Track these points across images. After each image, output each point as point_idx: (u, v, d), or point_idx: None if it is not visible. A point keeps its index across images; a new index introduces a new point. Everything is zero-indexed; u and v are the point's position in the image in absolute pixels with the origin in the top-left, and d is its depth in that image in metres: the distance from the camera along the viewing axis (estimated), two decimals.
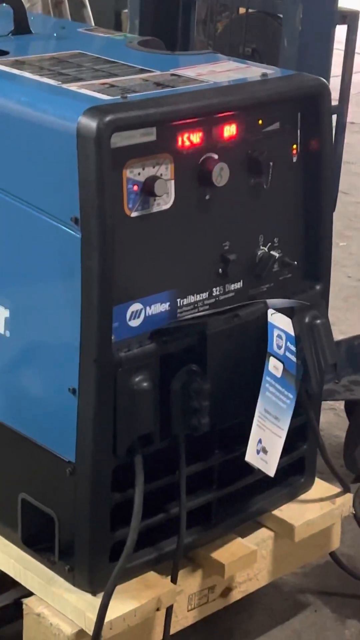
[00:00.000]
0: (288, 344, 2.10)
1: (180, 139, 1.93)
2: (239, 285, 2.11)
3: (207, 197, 2.00)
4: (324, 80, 2.13)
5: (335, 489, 2.37)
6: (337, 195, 2.87)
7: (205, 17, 3.39)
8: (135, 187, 1.89)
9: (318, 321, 2.13)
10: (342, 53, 2.78)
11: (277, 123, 2.09)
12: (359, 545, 2.65)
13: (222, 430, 2.12)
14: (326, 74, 2.57)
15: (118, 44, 2.38)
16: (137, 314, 1.95)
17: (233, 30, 2.80)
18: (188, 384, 1.97)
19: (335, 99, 2.64)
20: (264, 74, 2.11)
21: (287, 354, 2.10)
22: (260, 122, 2.07)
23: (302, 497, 2.33)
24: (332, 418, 3.19)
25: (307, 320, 2.12)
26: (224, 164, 1.98)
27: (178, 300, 2.01)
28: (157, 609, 2.02)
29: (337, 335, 3.00)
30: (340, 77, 2.78)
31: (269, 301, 2.09)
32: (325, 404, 3.17)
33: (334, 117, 2.59)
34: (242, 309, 2.05)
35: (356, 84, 7.12)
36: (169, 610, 2.06)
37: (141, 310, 1.96)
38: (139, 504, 1.93)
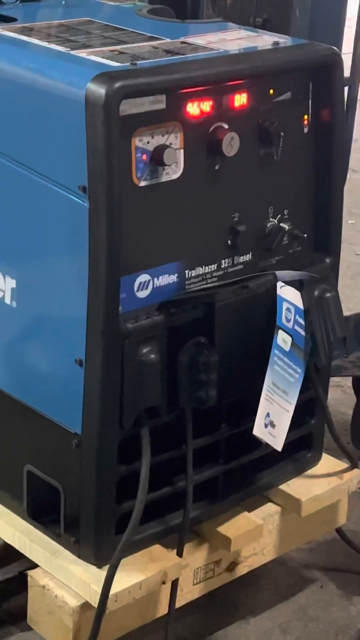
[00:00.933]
0: (297, 317, 2.08)
1: (190, 108, 1.91)
2: (248, 257, 2.09)
3: (217, 167, 1.98)
4: (337, 49, 2.09)
5: (343, 465, 2.35)
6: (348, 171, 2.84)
7: None
8: (144, 156, 1.86)
9: (328, 294, 2.11)
10: (353, 31, 2.74)
11: (289, 93, 2.06)
12: None
13: (229, 403, 2.10)
14: (338, 44, 2.53)
15: (127, 12, 2.34)
16: (145, 285, 1.93)
17: (244, 0, 2.76)
18: (196, 357, 1.95)
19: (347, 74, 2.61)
20: (275, 43, 2.08)
21: (296, 327, 2.08)
22: (271, 91, 2.04)
23: (309, 472, 2.31)
24: (339, 395, 3.18)
25: (316, 293, 2.10)
26: (234, 134, 1.95)
27: (186, 271, 1.99)
28: (163, 583, 2.01)
29: (345, 312, 2.98)
30: (350, 55, 2.74)
31: (278, 273, 2.07)
32: (333, 381, 3.15)
33: (346, 89, 2.55)
34: (251, 281, 2.03)
35: None
36: (175, 584, 2.05)
37: (149, 281, 1.93)
38: (145, 476, 1.92)
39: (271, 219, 2.10)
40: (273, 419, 2.07)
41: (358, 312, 2.93)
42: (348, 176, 4.56)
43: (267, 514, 2.23)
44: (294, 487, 2.26)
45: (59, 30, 2.13)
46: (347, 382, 3.02)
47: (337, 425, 2.92)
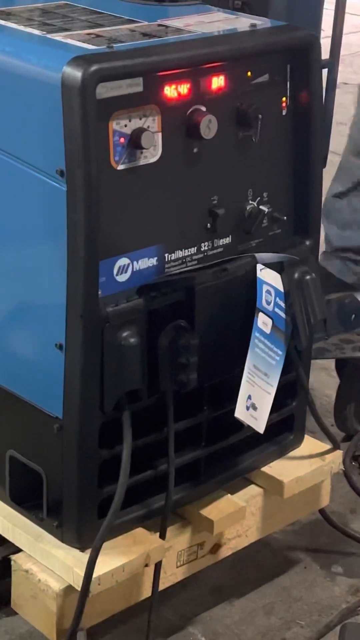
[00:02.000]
0: (277, 299, 2.08)
1: (167, 90, 1.90)
2: (227, 240, 2.09)
3: (195, 150, 1.98)
4: (314, 32, 2.09)
5: (325, 446, 2.36)
6: (328, 154, 2.85)
7: None
8: (122, 140, 1.86)
9: (307, 277, 2.11)
10: (332, 13, 2.74)
11: (267, 75, 2.06)
12: (348, 503, 2.65)
13: (211, 386, 2.11)
14: (316, 27, 2.53)
15: None
16: (124, 268, 1.93)
17: None
18: (176, 340, 1.95)
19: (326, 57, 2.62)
20: (252, 25, 2.08)
21: (276, 309, 2.09)
22: (249, 73, 2.03)
23: (292, 454, 2.32)
24: (323, 377, 3.19)
25: (296, 275, 2.11)
26: (212, 117, 1.95)
27: (166, 255, 1.99)
28: (146, 565, 2.02)
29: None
30: (330, 39, 2.74)
31: (258, 255, 2.07)
32: (317, 364, 3.16)
33: (325, 72, 2.55)
34: (230, 263, 2.03)
35: (351, 44, 7.10)
36: (158, 566, 2.06)
37: (128, 265, 1.94)
38: (127, 460, 1.92)
39: (250, 202, 2.10)
40: (255, 401, 2.08)
41: (340, 294, 2.93)
42: (332, 159, 4.55)
43: (249, 496, 2.24)
44: (277, 469, 2.27)
45: (36, 14, 2.12)
46: (332, 364, 3.03)
47: (321, 408, 2.95)
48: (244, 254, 2.08)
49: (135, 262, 1.94)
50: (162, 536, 2.05)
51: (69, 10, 2.16)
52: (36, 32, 1.97)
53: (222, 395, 2.13)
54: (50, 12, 2.14)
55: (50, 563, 2.00)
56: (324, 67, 2.44)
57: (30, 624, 2.09)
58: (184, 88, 1.92)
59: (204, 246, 2.05)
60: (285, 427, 2.31)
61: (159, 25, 2.06)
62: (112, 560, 1.97)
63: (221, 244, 2.08)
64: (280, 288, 2.09)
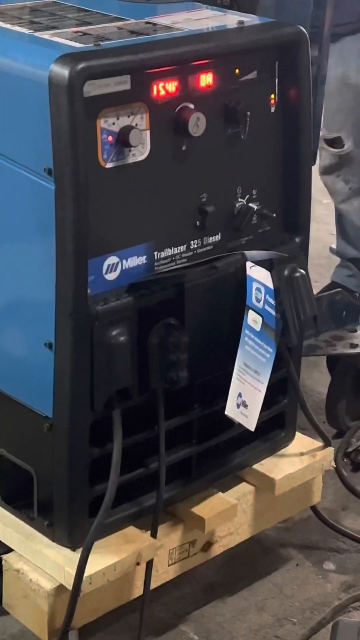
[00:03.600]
0: (267, 297, 2.08)
1: (155, 88, 1.90)
2: (217, 238, 2.09)
3: (184, 147, 1.97)
4: (302, 28, 2.09)
5: (317, 443, 2.36)
6: (318, 150, 2.84)
7: None
8: (110, 138, 1.86)
9: (297, 274, 2.11)
10: None
11: (255, 72, 2.06)
12: (340, 500, 2.65)
13: (201, 384, 2.11)
14: (305, 24, 2.52)
15: None
16: (113, 267, 1.93)
17: None
18: (166, 338, 1.95)
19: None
20: (240, 22, 2.07)
21: (267, 307, 2.08)
22: (237, 71, 2.03)
23: (283, 451, 2.32)
24: (315, 374, 3.19)
25: (286, 273, 2.10)
26: (200, 114, 1.95)
27: (155, 253, 1.99)
28: (137, 564, 2.02)
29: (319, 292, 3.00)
30: None
31: (247, 253, 2.07)
32: (309, 361, 3.16)
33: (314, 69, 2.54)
34: (219, 261, 2.03)
35: None
36: (149, 565, 2.06)
37: (118, 263, 1.93)
38: (117, 458, 1.92)
39: (240, 199, 2.10)
40: (245, 399, 2.08)
41: (331, 291, 2.93)
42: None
43: (241, 494, 2.24)
44: (268, 466, 2.27)
45: (23, 12, 2.11)
46: (323, 361, 3.03)
47: (313, 405, 2.95)
48: (233, 252, 2.08)
49: (124, 261, 1.94)
50: (154, 534, 2.05)
51: (57, 8, 2.16)
52: (24, 30, 1.96)
53: (212, 392, 2.12)
54: (38, 10, 2.13)
55: (41, 562, 1.99)
56: (313, 64, 2.43)
57: (21, 624, 2.08)
58: (172, 85, 1.92)
59: (194, 244, 2.05)
60: (276, 425, 2.31)
61: (147, 22, 2.06)
62: (103, 559, 1.97)
63: (211, 241, 2.08)
64: (270, 285, 2.08)
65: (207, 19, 2.12)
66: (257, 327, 2.07)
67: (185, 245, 2.03)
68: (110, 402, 1.92)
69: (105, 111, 1.84)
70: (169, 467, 2.06)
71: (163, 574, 2.14)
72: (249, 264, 2.06)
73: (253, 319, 2.07)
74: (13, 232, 1.93)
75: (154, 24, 2.05)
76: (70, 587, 1.92)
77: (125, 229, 1.93)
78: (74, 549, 1.98)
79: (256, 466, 2.27)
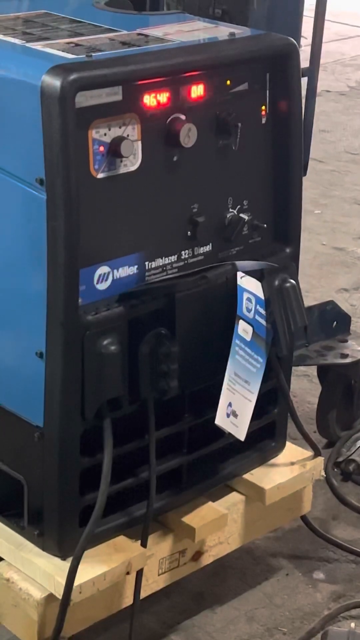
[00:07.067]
0: (258, 307, 2.09)
1: (147, 99, 1.91)
2: (208, 248, 2.10)
3: (175, 158, 1.98)
4: (293, 40, 2.10)
5: (307, 453, 2.37)
6: (309, 161, 2.86)
7: None
8: (101, 148, 1.86)
9: (288, 284, 2.12)
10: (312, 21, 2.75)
11: (246, 83, 2.07)
12: (330, 509, 2.66)
13: (192, 393, 2.11)
14: (296, 35, 2.54)
15: (85, 4, 2.34)
16: (104, 277, 1.93)
17: None
18: (156, 347, 1.95)
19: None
20: (231, 34, 2.09)
21: (257, 317, 2.09)
22: (228, 82, 2.04)
23: (273, 461, 2.33)
24: (305, 384, 3.20)
25: (276, 283, 2.11)
26: (191, 125, 1.96)
27: (146, 263, 1.99)
28: (127, 573, 2.02)
29: (311, 302, 3.01)
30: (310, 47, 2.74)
31: (238, 263, 2.08)
32: (300, 371, 3.17)
33: (305, 80, 2.56)
34: (210, 271, 2.04)
35: (333, 52, 7.13)
36: (139, 574, 2.06)
37: (109, 273, 1.94)
38: (108, 467, 1.92)
39: (230, 210, 2.11)
40: (235, 408, 2.08)
41: (321, 302, 2.94)
42: (314, 167, 4.57)
43: (231, 503, 2.24)
44: (258, 475, 2.27)
45: (15, 23, 2.12)
46: (314, 371, 3.04)
47: (303, 415, 2.96)
48: (224, 262, 2.09)
49: (115, 270, 1.94)
50: (144, 544, 2.05)
51: (49, 19, 2.17)
52: (16, 41, 1.97)
53: (203, 402, 2.13)
54: (30, 21, 2.14)
55: (31, 571, 1.99)
56: (304, 75, 2.45)
57: (11, 633, 2.08)
58: (164, 97, 1.93)
59: (185, 254, 2.06)
60: (266, 434, 2.31)
61: (139, 34, 2.07)
62: (93, 568, 1.97)
63: (201, 251, 2.09)
64: (261, 295, 2.09)
65: (199, 31, 2.13)
66: (248, 337, 2.08)
67: (176, 256, 2.04)
68: (100, 412, 1.93)
69: (96, 122, 1.85)
70: (159, 476, 2.06)
71: (153, 583, 2.15)
72: (239, 274, 2.07)
73: (243, 329, 2.08)
74: (4, 242, 1.93)
75: (146, 36, 2.06)
76: (60, 596, 1.93)
77: (116, 238, 1.93)
78: (64, 558, 1.98)
79: (246, 476, 2.27)
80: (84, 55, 1.88)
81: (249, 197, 2.13)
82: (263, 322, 2.10)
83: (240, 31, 2.12)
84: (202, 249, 2.09)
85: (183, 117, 1.96)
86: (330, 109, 5.90)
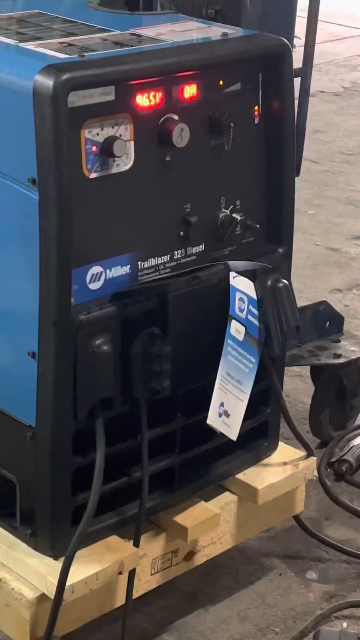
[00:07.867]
0: (250, 307, 2.09)
1: (139, 99, 1.91)
2: (200, 248, 2.10)
3: (168, 158, 1.98)
4: (286, 40, 2.11)
5: (300, 453, 2.37)
6: (302, 161, 2.86)
7: None
8: (94, 148, 1.87)
9: (280, 284, 2.12)
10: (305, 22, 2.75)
11: (238, 84, 2.07)
12: (323, 509, 2.66)
13: (184, 393, 2.11)
14: (289, 36, 2.54)
15: (78, 4, 2.34)
16: (97, 276, 1.93)
17: None
18: (149, 347, 1.95)
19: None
20: (224, 34, 2.09)
21: (249, 317, 2.10)
22: (221, 82, 2.05)
23: (266, 461, 2.33)
24: (299, 384, 3.20)
25: (269, 283, 2.12)
26: (184, 125, 1.96)
27: (139, 263, 1.99)
28: (120, 573, 2.02)
29: (305, 302, 3.01)
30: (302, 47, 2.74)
31: (231, 263, 2.08)
32: (292, 371, 3.18)
33: (298, 80, 2.56)
34: (202, 271, 2.04)
35: (327, 52, 7.14)
36: (132, 574, 2.06)
37: (101, 273, 1.94)
38: (100, 467, 1.92)
39: (223, 210, 2.11)
40: (227, 408, 2.09)
41: (315, 302, 2.95)
42: (308, 167, 4.57)
43: (224, 503, 2.24)
44: (250, 475, 2.28)
45: (8, 22, 2.12)
46: (307, 371, 3.05)
47: (296, 414, 2.96)
48: (217, 262, 2.09)
49: (108, 270, 1.94)
50: (136, 544, 2.05)
51: (42, 19, 2.17)
52: (8, 40, 1.97)
53: (195, 402, 2.13)
54: (23, 20, 2.14)
55: (23, 571, 1.99)
56: (297, 76, 2.45)
57: (4, 633, 2.08)
58: (156, 97, 1.93)
59: (177, 254, 2.06)
60: (259, 434, 2.32)
61: (132, 34, 2.07)
62: (85, 568, 1.97)
63: (194, 251, 2.09)
64: (253, 295, 2.10)
65: (192, 31, 2.13)
66: (240, 337, 2.08)
67: (169, 255, 2.04)
68: (93, 411, 1.93)
69: (89, 122, 1.85)
70: (152, 476, 2.06)
71: (145, 583, 2.15)
72: (232, 274, 2.07)
73: (236, 329, 2.08)
74: None
75: (139, 36, 2.06)
76: (52, 596, 1.92)
77: (109, 238, 1.93)
78: (56, 558, 1.98)
79: (239, 476, 2.27)
80: (77, 55, 1.88)
81: (241, 197, 2.14)
82: (255, 322, 2.10)
83: (233, 31, 2.13)
84: (194, 249, 2.09)
85: (176, 117, 1.96)
86: (324, 110, 5.90)
